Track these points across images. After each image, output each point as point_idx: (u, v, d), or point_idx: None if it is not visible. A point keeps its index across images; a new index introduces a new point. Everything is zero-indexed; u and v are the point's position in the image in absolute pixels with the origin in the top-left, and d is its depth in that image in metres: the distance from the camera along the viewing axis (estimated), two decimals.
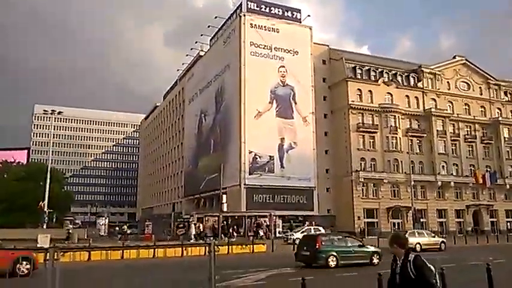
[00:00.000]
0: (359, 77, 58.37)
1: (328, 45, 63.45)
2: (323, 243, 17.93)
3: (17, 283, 11.23)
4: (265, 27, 54.13)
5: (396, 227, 54.39)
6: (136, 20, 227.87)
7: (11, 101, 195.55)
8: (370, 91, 58.07)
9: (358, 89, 57.70)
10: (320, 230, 35.42)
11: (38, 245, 22.27)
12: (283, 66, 53.70)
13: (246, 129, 50.30)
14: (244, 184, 49.05)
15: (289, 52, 54.31)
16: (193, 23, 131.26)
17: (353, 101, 56.42)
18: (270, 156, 50.92)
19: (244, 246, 22.35)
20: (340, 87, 57.88)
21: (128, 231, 56.08)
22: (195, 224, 38.73)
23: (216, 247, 6.71)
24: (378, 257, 18.43)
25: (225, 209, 40.40)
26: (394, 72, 60.69)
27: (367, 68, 59.25)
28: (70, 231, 38.12)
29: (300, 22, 57.82)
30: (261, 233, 34.60)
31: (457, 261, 18.59)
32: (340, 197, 55.58)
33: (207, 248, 18.26)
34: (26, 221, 49.39)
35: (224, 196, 41.72)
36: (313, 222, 42.73)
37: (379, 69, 59.64)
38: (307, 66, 54.66)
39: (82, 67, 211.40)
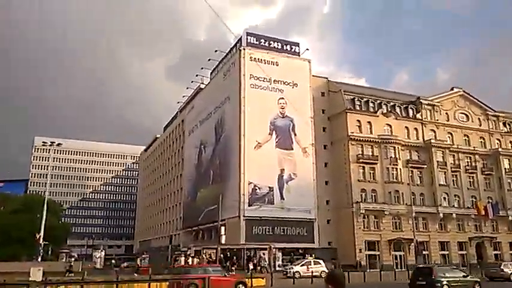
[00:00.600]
0: (358, 108, 58.76)
1: (327, 78, 64.25)
2: (438, 273, 21.28)
3: None
4: (264, 60, 54.92)
5: (398, 260, 53.43)
6: (137, 53, 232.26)
7: (12, 133, 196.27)
8: (369, 122, 58.33)
9: (358, 120, 57.98)
10: (320, 263, 34.81)
11: (30, 279, 21.65)
12: (283, 98, 54.11)
13: (246, 160, 50.13)
14: (244, 216, 48.40)
15: (289, 84, 54.88)
16: (194, 57, 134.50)
17: (352, 132, 56.57)
18: (269, 187, 50.52)
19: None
20: (340, 118, 58.19)
21: (125, 264, 54.94)
22: (185, 257, 37.88)
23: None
24: (478, 285, 22.18)
25: (223, 241, 39.65)
26: (392, 103, 61.15)
27: (365, 99, 59.75)
28: (72, 264, 37.42)
29: (299, 55, 58.71)
30: (251, 266, 33.74)
31: None
32: (341, 229, 54.78)
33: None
34: (21, 253, 48.57)
35: (222, 228, 41.05)
36: (313, 255, 41.84)
37: (378, 101, 60.12)
38: (306, 98, 55.10)
39: (83, 100, 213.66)
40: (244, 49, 54.51)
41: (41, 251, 43.75)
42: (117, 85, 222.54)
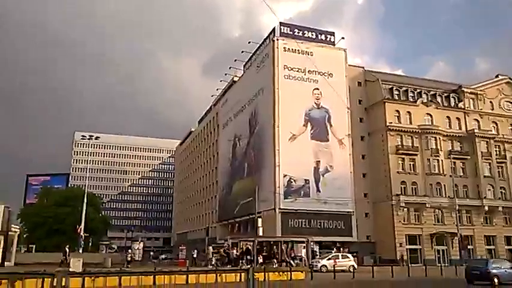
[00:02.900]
0: (396, 98, 56.89)
1: (363, 67, 62.53)
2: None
3: None
4: (298, 50, 53.82)
5: (440, 254, 51.51)
6: (173, 50, 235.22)
7: (54, 129, 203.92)
8: (408, 112, 56.35)
9: (396, 110, 56.11)
10: (349, 257, 33.35)
11: (70, 269, 21.98)
12: (318, 89, 52.99)
13: (281, 153, 49.51)
14: (279, 208, 47.90)
15: (324, 75, 53.62)
16: (229, 53, 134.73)
17: (391, 123, 54.78)
18: (305, 179, 49.71)
19: (281, 273, 21.19)
20: (377, 108, 56.45)
21: (163, 256, 55.71)
22: (215, 248, 37.57)
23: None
24: None
25: (260, 233, 39.22)
26: (433, 92, 58.73)
27: (404, 88, 57.69)
28: (132, 255, 38.30)
29: (334, 45, 57.26)
30: (288, 259, 32.69)
31: None
32: (380, 223, 53.30)
33: (242, 274, 17.28)
34: (63, 245, 49.98)
35: (259, 220, 40.69)
36: (341, 249, 40.31)
37: (417, 90, 57.89)
38: (342, 88, 53.60)
39: (121, 95, 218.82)
40: (277, 40, 53.66)
41: (82, 242, 44.99)
42: (153, 82, 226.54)
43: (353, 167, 52.02)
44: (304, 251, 33.63)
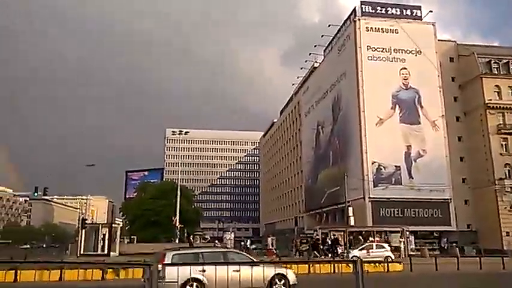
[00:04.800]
0: (495, 72, 51.69)
1: (455, 41, 57.59)
2: None
3: None
4: (382, 29, 51.12)
5: None
6: (252, 42, 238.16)
7: (149, 126, 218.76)
8: (510, 87, 50.78)
9: (496, 86, 50.97)
10: (384, 247, 29.24)
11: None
12: (405, 68, 49.84)
13: (368, 139, 47.51)
14: (369, 197, 46.06)
15: (411, 52, 50.26)
16: (308, 40, 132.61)
17: (490, 100, 49.80)
18: (395, 166, 47.17)
19: (377, 264, 20.11)
20: (474, 85, 51.60)
21: (253, 246, 56.58)
22: (304, 239, 36.73)
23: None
24: None
25: (352, 223, 37.90)
26: None
27: (504, 61, 52.01)
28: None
29: (421, 19, 53.38)
30: (339, 250, 30.35)
31: None
32: (482, 210, 48.83)
33: (335, 265, 16.60)
34: (160, 236, 52.91)
35: (350, 209, 39.37)
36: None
37: None
38: (432, 65, 49.73)
39: (204, 91, 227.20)
40: (359, 20, 51.37)
41: (178, 233, 47.20)
42: (234, 76, 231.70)
43: (449, 151, 48.24)
44: (402, 240, 31.56)
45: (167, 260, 11.36)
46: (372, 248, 28.70)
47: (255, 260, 13.17)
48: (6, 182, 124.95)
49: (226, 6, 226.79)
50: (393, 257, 27.91)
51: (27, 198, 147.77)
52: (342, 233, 31.84)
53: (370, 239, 33.50)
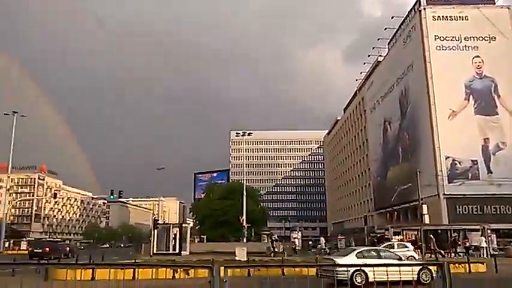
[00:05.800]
0: None
1: None
2: None
3: None
4: (450, 17, 48.39)
5: None
6: (313, 41, 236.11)
7: (215, 129, 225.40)
8: None
9: None
10: (407, 247, 25.91)
11: (236, 258, 23.28)
12: (478, 56, 46.76)
13: (440, 132, 45.16)
14: (444, 194, 43.70)
15: (484, 39, 47.05)
16: (371, 34, 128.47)
17: None
18: (472, 160, 44.37)
19: (458, 265, 18.93)
20: None
21: (328, 246, 56.14)
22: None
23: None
24: None
25: (427, 221, 36.07)
26: None
27: None
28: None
29: (494, 3, 49.79)
30: (459, 250, 28.57)
31: None
32: None
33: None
34: (228, 235, 54.03)
35: (424, 207, 37.53)
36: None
37: None
38: (509, 51, 46.21)
39: (266, 92, 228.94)
40: (424, 9, 49.02)
41: (245, 232, 47.93)
42: (296, 76, 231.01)
43: None
44: (482, 239, 29.43)
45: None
46: (394, 248, 25.10)
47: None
48: (87, 186, 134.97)
49: (288, 7, 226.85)
50: (417, 257, 25.40)
51: (105, 201, 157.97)
52: (416, 232, 30.41)
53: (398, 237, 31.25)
